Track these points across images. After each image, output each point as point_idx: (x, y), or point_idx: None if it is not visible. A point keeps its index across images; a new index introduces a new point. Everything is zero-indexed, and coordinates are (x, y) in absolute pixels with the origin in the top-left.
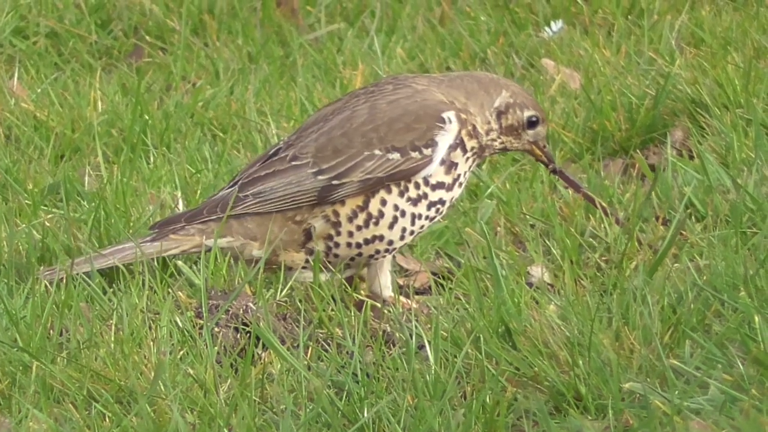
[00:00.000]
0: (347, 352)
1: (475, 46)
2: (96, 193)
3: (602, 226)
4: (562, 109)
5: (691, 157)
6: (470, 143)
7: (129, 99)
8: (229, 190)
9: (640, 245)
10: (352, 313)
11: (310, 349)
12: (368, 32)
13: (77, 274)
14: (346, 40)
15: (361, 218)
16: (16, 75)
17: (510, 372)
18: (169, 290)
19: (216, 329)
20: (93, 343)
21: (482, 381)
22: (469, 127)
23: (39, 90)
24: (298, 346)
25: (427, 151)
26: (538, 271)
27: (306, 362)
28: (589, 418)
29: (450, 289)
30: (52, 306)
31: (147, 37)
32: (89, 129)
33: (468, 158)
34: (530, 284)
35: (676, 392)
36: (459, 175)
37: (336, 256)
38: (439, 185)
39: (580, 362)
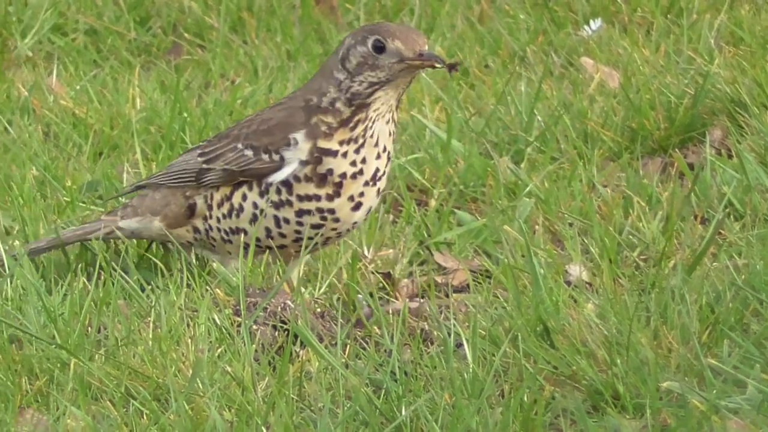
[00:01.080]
0: (385, 350)
1: (514, 44)
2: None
3: (641, 224)
4: (601, 107)
5: (730, 156)
6: (336, 139)
7: (168, 96)
8: None
9: (679, 244)
10: (390, 312)
11: (348, 347)
12: None
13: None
14: None
15: (225, 207)
16: (55, 72)
17: (548, 371)
18: (208, 288)
19: (254, 327)
20: (131, 340)
21: (520, 380)
22: (324, 128)
23: (78, 87)
24: (336, 344)
25: (275, 157)
26: (577, 270)
27: (344, 360)
28: (627, 417)
29: (488, 287)
30: (90, 303)
31: (186, 35)
32: (128, 126)
33: (346, 152)
34: (568, 283)
35: (714, 391)
36: (344, 174)
37: (213, 239)
38: (309, 197)
39: (618, 361)
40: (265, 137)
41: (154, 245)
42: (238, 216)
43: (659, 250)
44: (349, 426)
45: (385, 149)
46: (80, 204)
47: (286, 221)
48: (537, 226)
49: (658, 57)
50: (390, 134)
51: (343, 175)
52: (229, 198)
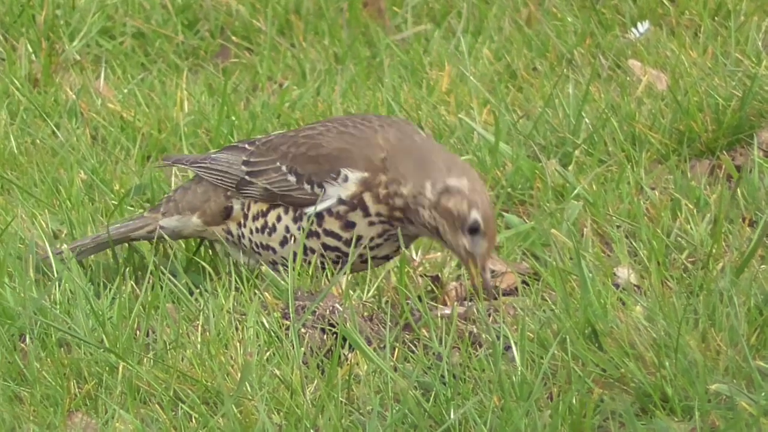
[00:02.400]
0: (434, 354)
1: (562, 47)
2: None
3: (689, 226)
4: (648, 110)
5: None
6: (376, 208)
7: (215, 99)
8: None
9: (727, 246)
10: (439, 315)
11: (396, 350)
12: (455, 33)
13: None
14: (433, 41)
15: (260, 222)
16: (102, 75)
17: (596, 373)
18: (256, 291)
19: (302, 330)
20: (179, 343)
21: (568, 382)
22: (381, 191)
23: (125, 90)
24: (384, 347)
25: (317, 190)
26: (625, 273)
27: (392, 363)
28: (676, 419)
29: (536, 290)
30: (138, 307)
31: (233, 38)
32: (176, 129)
33: (373, 223)
34: (617, 285)
35: (763, 394)
36: (361, 237)
37: (243, 245)
38: (332, 234)
39: (667, 364)
40: (310, 165)
41: (202, 249)
42: (270, 234)
43: (707, 252)
44: (397, 429)
45: (398, 250)
46: (128, 207)
47: (312, 251)
48: (585, 229)
49: (706, 59)
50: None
51: (359, 238)
52: (264, 214)
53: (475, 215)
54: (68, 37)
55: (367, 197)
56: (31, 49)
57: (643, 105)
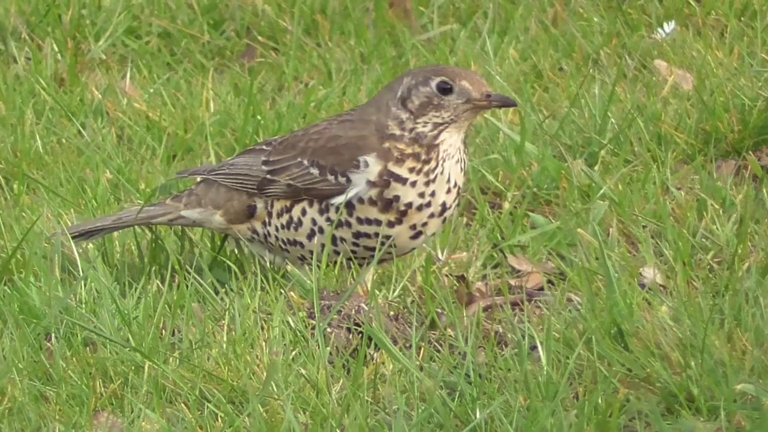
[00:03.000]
0: (459, 353)
1: (588, 47)
2: None
3: (715, 227)
4: (674, 110)
5: None
6: (406, 166)
7: (241, 99)
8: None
9: (753, 247)
10: (464, 314)
11: (422, 349)
12: (481, 33)
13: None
14: (459, 41)
15: (284, 218)
16: (128, 75)
17: (622, 373)
18: (282, 291)
19: (328, 330)
20: (205, 343)
21: (594, 382)
22: (396, 154)
23: (151, 90)
24: (410, 346)
25: (341, 180)
26: (651, 273)
27: (418, 363)
28: (701, 419)
29: (562, 290)
30: (164, 306)
31: (259, 38)
32: (201, 129)
33: (415, 181)
34: (642, 285)
35: None
36: (410, 204)
37: (270, 244)
38: (369, 221)
39: (693, 363)
40: (332, 156)
41: (227, 248)
42: (296, 229)
43: (733, 252)
44: (423, 428)
45: (456, 184)
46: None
47: (343, 240)
48: (611, 229)
49: (732, 59)
50: (461, 170)
51: (409, 205)
52: (288, 210)
53: (434, 82)
54: (94, 36)
55: (392, 165)
56: (57, 49)
57: (669, 105)
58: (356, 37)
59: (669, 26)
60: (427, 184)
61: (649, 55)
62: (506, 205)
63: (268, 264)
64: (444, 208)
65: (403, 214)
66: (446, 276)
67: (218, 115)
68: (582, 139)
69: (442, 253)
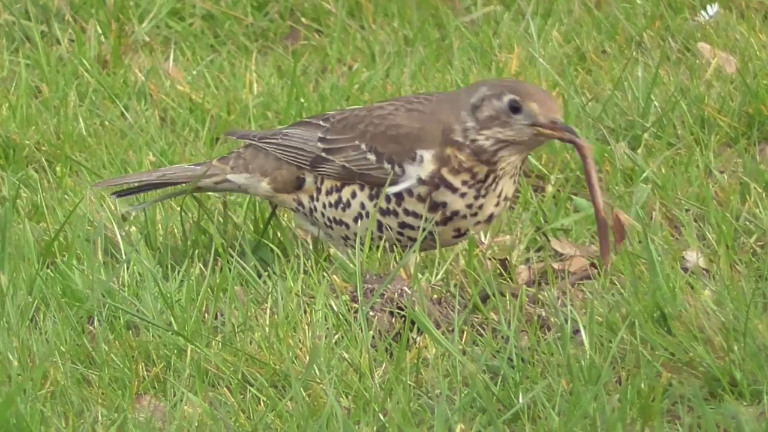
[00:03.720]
0: (502, 337)
1: (631, 29)
2: None
3: (758, 210)
4: (717, 93)
5: None
6: (460, 178)
7: (284, 81)
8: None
9: None
10: (508, 298)
11: (465, 333)
12: (524, 15)
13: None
14: (502, 23)
15: (333, 197)
16: (171, 57)
17: (665, 357)
18: (324, 274)
19: (371, 313)
20: (248, 326)
21: (637, 366)
22: (454, 163)
23: (194, 72)
24: (453, 330)
25: (397, 170)
26: (694, 256)
27: (461, 347)
28: (744, 403)
29: (605, 273)
30: (207, 289)
31: (303, 20)
32: (245, 111)
33: (465, 193)
34: (685, 269)
35: None
36: (457, 212)
37: (315, 219)
38: (416, 215)
39: (735, 348)
40: (391, 144)
41: (270, 231)
42: (344, 210)
43: None
44: (466, 413)
45: (505, 198)
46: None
47: (389, 228)
48: (654, 212)
49: None
50: (514, 183)
51: (456, 213)
52: (339, 189)
53: (507, 98)
54: (138, 18)
55: (446, 172)
56: (100, 31)
57: (712, 88)
58: (400, 19)
59: (712, 9)
60: (477, 197)
61: (692, 37)
62: (549, 189)
63: (309, 240)
64: (490, 218)
65: (449, 219)
66: (489, 259)
67: (261, 97)
68: (625, 122)
69: (486, 237)
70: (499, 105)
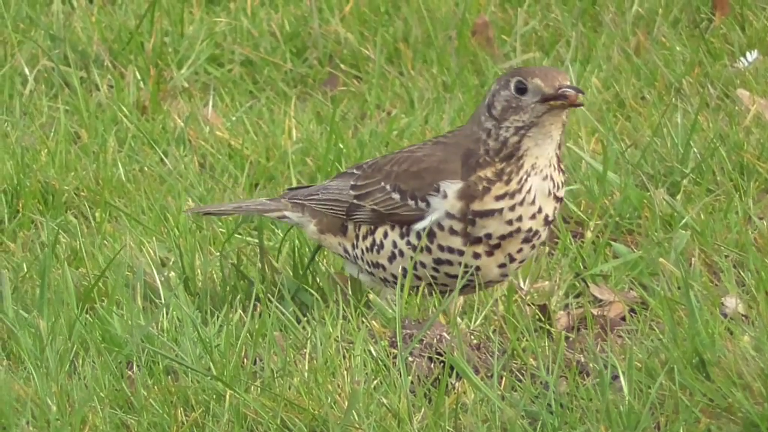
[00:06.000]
0: (541, 383)
1: (670, 76)
2: None
3: None
4: (756, 139)
5: None
6: (493, 194)
7: (323, 127)
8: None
9: None
10: (546, 344)
11: (504, 379)
12: (563, 61)
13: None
14: None
15: (369, 240)
16: (210, 103)
17: (704, 403)
18: (363, 320)
19: (410, 359)
20: (287, 371)
21: (676, 412)
22: (480, 187)
23: (234, 118)
24: (492, 375)
25: (421, 204)
26: (733, 302)
27: (500, 392)
28: None
29: (644, 319)
30: (246, 334)
31: (342, 66)
32: (284, 157)
33: (502, 209)
34: (724, 315)
35: None
36: (502, 236)
37: (359, 265)
38: (452, 250)
39: None
40: (413, 180)
41: (309, 276)
42: (378, 252)
43: None
44: None
45: (540, 210)
46: (236, 235)
47: (423, 265)
48: (693, 258)
49: None
50: (549, 193)
51: (502, 237)
52: (372, 232)
53: (512, 84)
54: (176, 64)
55: (477, 204)
56: (139, 77)
57: (752, 134)
58: (439, 65)
59: (751, 55)
60: (512, 209)
61: (731, 84)
62: (588, 234)
63: (348, 285)
64: (531, 234)
65: (496, 246)
66: (528, 305)
67: (300, 143)
68: (664, 168)
69: (525, 282)
70: (507, 93)
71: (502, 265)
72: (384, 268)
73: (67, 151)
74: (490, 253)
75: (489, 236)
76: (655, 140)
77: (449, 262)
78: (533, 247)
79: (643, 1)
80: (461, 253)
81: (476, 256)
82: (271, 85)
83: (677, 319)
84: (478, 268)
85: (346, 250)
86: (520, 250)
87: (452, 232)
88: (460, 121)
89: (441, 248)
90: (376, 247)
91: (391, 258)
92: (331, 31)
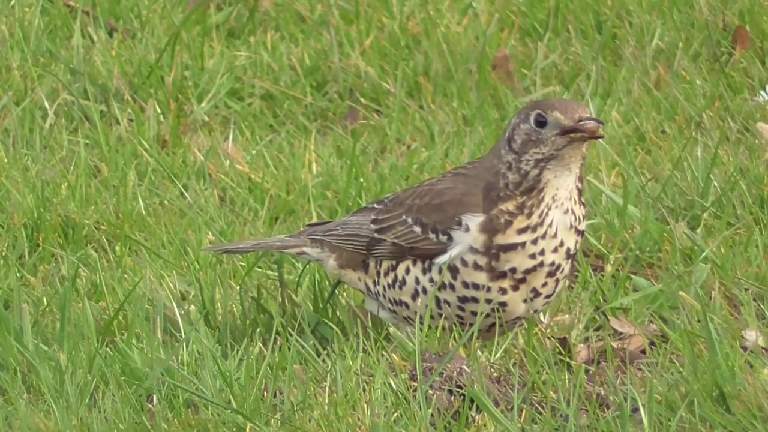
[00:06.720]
0: (561, 416)
1: (691, 109)
2: None
3: None
4: None
5: None
6: (515, 227)
7: (344, 161)
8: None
9: None
10: (566, 377)
11: (524, 411)
12: (583, 95)
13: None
14: None
15: (390, 277)
16: (231, 137)
17: None
18: (384, 353)
19: (430, 392)
20: (307, 404)
21: None
22: (502, 220)
23: (254, 151)
24: (512, 408)
25: (442, 238)
26: (753, 335)
27: (520, 425)
28: None
29: (664, 352)
30: (266, 368)
31: (362, 99)
32: (304, 191)
33: (525, 242)
34: (745, 348)
35: None
36: (527, 270)
37: (381, 303)
38: (476, 286)
39: None
40: (435, 213)
41: (329, 308)
42: (400, 288)
43: None
44: None
45: (562, 243)
46: (257, 269)
47: (447, 303)
48: (713, 292)
49: None
50: (570, 227)
51: (527, 271)
52: (394, 268)
53: (532, 117)
54: (196, 98)
55: (499, 237)
56: (159, 110)
57: None
58: (459, 99)
59: None
60: (534, 242)
61: (751, 117)
62: (609, 268)
63: (369, 318)
64: (554, 268)
65: (521, 281)
66: (548, 338)
67: (321, 177)
68: (684, 201)
69: (545, 316)
70: (527, 127)
71: (526, 300)
72: (407, 306)
73: (87, 185)
74: (515, 288)
75: (513, 270)
76: (676, 174)
77: (475, 299)
78: (557, 281)
79: (663, 35)
80: (487, 289)
81: (502, 291)
82: (292, 119)
83: (697, 352)
84: (504, 304)
85: (367, 287)
86: (545, 284)
87: (476, 267)
88: (480, 155)
89: (465, 285)
90: (398, 284)
91: (414, 295)
92: (352, 64)
